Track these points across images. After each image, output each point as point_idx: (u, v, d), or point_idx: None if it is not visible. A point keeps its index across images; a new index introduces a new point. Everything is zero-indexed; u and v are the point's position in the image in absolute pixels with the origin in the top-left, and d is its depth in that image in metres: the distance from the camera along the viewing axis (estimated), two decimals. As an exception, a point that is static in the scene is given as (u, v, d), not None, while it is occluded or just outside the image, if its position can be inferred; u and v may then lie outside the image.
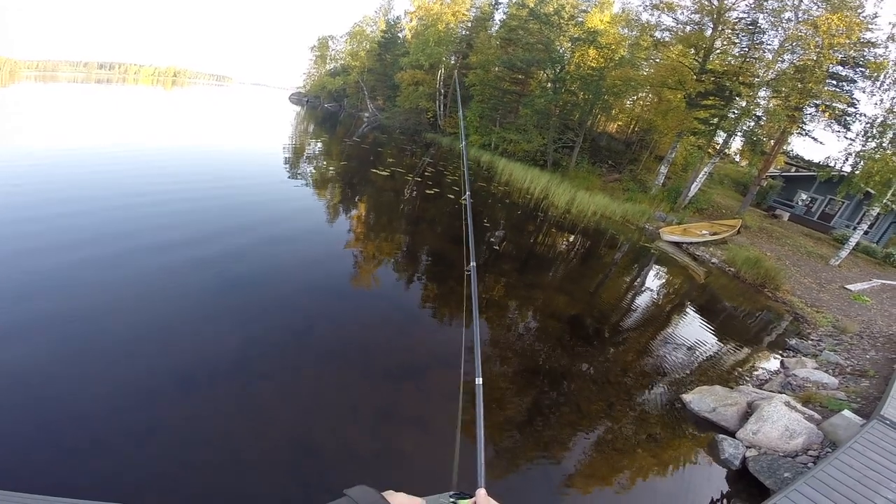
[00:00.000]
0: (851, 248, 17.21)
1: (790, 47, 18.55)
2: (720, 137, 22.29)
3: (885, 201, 15.96)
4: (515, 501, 4.19)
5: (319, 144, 26.87)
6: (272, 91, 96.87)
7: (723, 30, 20.78)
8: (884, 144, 16.04)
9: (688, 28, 22.10)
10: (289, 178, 15.95)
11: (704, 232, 17.85)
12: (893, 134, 15.75)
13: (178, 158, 14.99)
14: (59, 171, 11.36)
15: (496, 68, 30.79)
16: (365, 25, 57.12)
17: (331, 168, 19.53)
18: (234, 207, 10.75)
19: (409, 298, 8.19)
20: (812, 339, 9.86)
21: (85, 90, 35.01)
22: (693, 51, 21.73)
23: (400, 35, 49.06)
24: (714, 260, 15.75)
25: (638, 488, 4.75)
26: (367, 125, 42.24)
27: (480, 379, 1.80)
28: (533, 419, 5.35)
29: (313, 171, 18.01)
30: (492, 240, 12.64)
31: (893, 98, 16.03)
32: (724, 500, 4.69)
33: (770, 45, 20.03)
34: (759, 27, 19.78)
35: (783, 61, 19.16)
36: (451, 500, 1.11)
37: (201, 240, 8.35)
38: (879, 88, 16.60)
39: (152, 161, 13.96)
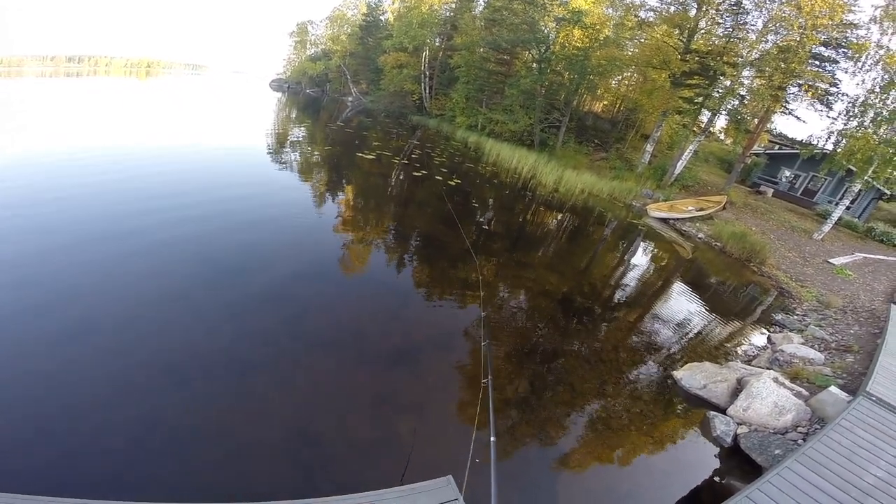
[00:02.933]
0: (834, 222, 17.59)
1: (774, 28, 18.66)
2: (705, 116, 22.46)
3: (866, 178, 16.33)
4: (512, 481, 4.25)
5: (303, 130, 26.40)
6: (251, 78, 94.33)
7: (707, 10, 20.78)
8: (865, 123, 16.31)
9: (672, 8, 22.05)
10: (273, 165, 15.63)
11: (691, 208, 18.10)
12: (874, 113, 16.01)
13: (156, 151, 14.39)
14: (40, 169, 11.01)
15: (481, 49, 30.48)
16: (345, 9, 55.89)
17: (316, 153, 19.24)
18: (217, 199, 10.42)
19: (402, 282, 8.16)
20: (797, 314, 10.01)
21: (57, 84, 33.68)
22: (677, 31, 21.71)
23: (382, 18, 48.18)
24: (700, 235, 16.01)
25: (632, 466, 4.83)
26: (352, 109, 41.63)
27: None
28: (528, 399, 5.41)
29: (298, 157, 17.70)
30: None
31: (875, 79, 16.26)
32: (718, 478, 4.76)
33: (754, 25, 20.12)
34: (743, 8, 19.83)
35: (767, 42, 19.29)
36: None
37: (184, 233, 8.11)
38: (861, 69, 16.78)
39: (130, 154, 13.50)
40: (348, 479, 3.87)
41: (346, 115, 36.43)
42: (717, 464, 4.99)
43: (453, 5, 37.44)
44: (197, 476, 3.71)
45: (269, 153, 17.36)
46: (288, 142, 21.13)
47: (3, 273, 5.80)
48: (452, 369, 5.78)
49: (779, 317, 9.67)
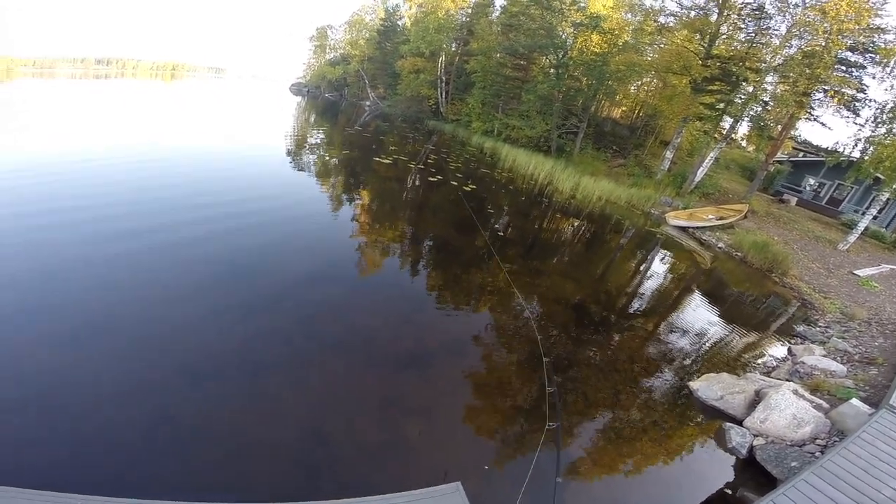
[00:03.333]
0: (860, 232, 17.00)
1: (798, 33, 18.16)
2: (726, 122, 21.99)
3: (894, 187, 15.75)
4: (517, 486, 4.15)
5: (321, 134, 26.69)
6: (271, 82, 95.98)
7: (728, 15, 20.39)
8: (894, 130, 15.77)
9: (692, 13, 21.68)
10: (290, 168, 15.83)
11: (711, 216, 17.68)
12: None
13: (178, 153, 14.80)
14: (64, 168, 11.32)
15: (498, 54, 30.44)
16: (364, 14, 56.58)
17: (333, 157, 19.41)
18: (234, 200, 10.61)
19: (415, 286, 8.15)
20: (820, 326, 9.70)
21: (87, 86, 34.74)
22: (698, 36, 21.34)
23: (399, 23, 48.53)
24: (720, 244, 15.62)
25: (645, 477, 4.72)
26: (369, 114, 41.97)
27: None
28: (539, 407, 5.31)
29: (316, 160, 17.89)
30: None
31: None
32: (732, 489, 4.64)
33: (777, 30, 19.63)
34: (766, 12, 19.38)
35: (791, 47, 18.77)
36: None
37: (200, 233, 8.25)
38: (889, 74, 16.29)
39: (158, 155, 13.90)
40: (356, 481, 3.88)
41: (363, 120, 36.74)
42: (731, 475, 4.87)
43: (469, 10, 37.53)
44: (204, 475, 3.74)
45: (288, 156, 17.60)
46: (307, 145, 21.39)
47: (20, 271, 5.96)
48: (464, 376, 5.74)
49: (800, 328, 9.42)
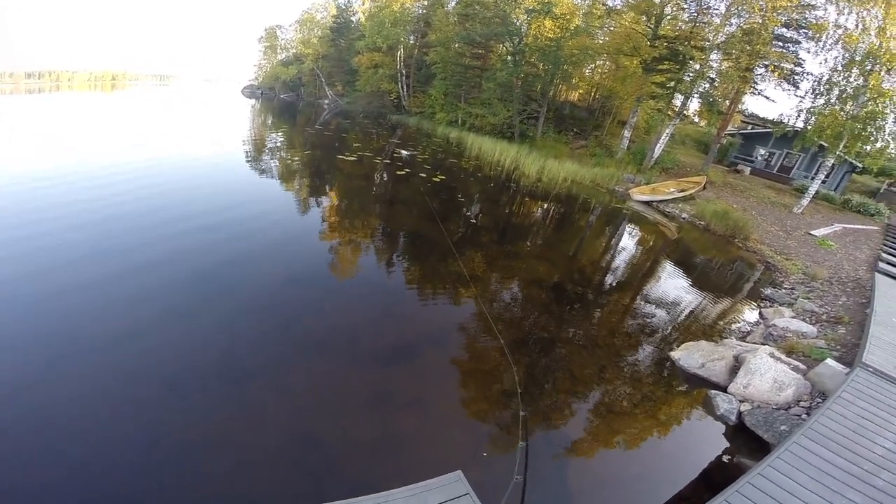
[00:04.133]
0: (812, 196, 18.05)
1: (736, 11, 19.02)
2: (678, 100, 22.72)
3: (837, 153, 16.77)
4: (517, 468, 4.17)
5: (281, 136, 25.93)
6: (223, 85, 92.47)
7: (670, -4, 21.07)
8: (831, 101, 16.74)
9: (637, -5, 22.33)
10: (252, 174, 15.22)
11: (672, 190, 18.32)
12: (839, 91, 16.40)
13: (132, 168, 13.80)
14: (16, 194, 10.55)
15: (456, 45, 30.37)
16: (314, 12, 55.13)
17: (296, 158, 18.89)
18: (198, 212, 10.05)
19: (392, 280, 8.06)
20: (785, 288, 10.15)
21: (17, 102, 32.48)
22: (645, 17, 21.96)
23: (353, 19, 47.64)
24: (684, 215, 16.22)
25: (640, 450, 4.80)
26: (329, 112, 41.12)
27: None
28: (528, 389, 5.36)
29: (277, 164, 17.32)
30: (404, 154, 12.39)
31: (836, 57, 16.71)
32: (727, 457, 4.73)
33: (717, 9, 20.52)
34: (705, -8, 20.18)
35: (731, 25, 19.68)
36: None
37: (166, 248, 7.86)
38: (822, 48, 17.27)
39: (107, 171, 13.02)
40: (356, 480, 3.84)
41: (323, 119, 35.95)
42: (724, 443, 4.98)
43: (425, 2, 37.21)
44: (203, 488, 3.62)
45: (249, 162, 16.96)
46: (267, 149, 20.70)
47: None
48: (450, 364, 5.73)
49: (768, 291, 9.80)
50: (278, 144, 22.56)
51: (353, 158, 18.71)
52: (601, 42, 25.18)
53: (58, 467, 3.54)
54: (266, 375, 4.99)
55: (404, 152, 19.57)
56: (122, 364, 4.79)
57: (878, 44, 14.88)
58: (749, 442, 4.95)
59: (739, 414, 5.30)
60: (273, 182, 14.24)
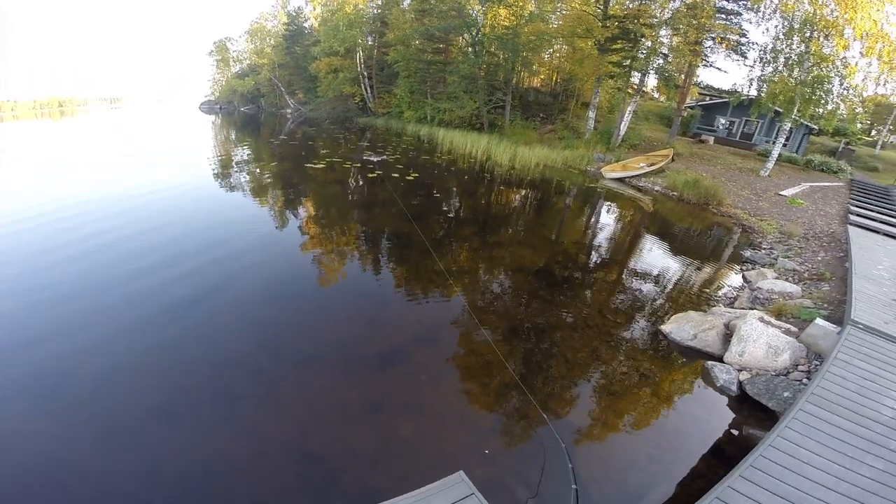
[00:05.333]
0: (775, 159, 18.60)
1: (678, -14, 19.41)
2: (636, 77, 23.13)
3: (792, 117, 17.30)
4: (520, 462, 4.12)
5: (246, 150, 25.15)
6: (178, 104, 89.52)
7: (615, -25, 21.34)
8: (779, 68, 17.22)
9: (583, -22, 22.52)
10: (223, 191, 14.64)
11: (642, 164, 18.56)
12: (784, 58, 16.86)
13: (94, 197, 13.19)
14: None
15: (416, 41, 30.14)
16: (263, 21, 53.80)
17: (265, 172, 18.29)
18: (172, 235, 9.60)
19: (376, 285, 7.84)
20: (764, 248, 10.27)
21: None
22: (593, -1, 22.18)
23: (306, 25, 46.70)
24: (657, 188, 16.44)
25: (648, 430, 4.70)
26: (293, 121, 40.24)
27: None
28: (525, 378, 5.24)
29: (247, 178, 16.72)
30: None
31: (776, 26, 17.17)
32: (735, 429, 4.65)
33: (660, -14, 20.83)
34: (647, -31, 20.49)
35: (675, 0, 20.14)
36: None
37: (141, 273, 7.55)
38: (762, 18, 17.77)
39: (75, 202, 12.29)
40: (359, 491, 3.74)
41: (288, 128, 35.12)
42: (730, 414, 4.93)
43: (380, 2, 36.65)
44: None
45: (217, 179, 16.31)
46: (233, 164, 20.00)
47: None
48: (441, 363, 5.59)
49: (747, 253, 9.90)
50: (245, 158, 21.87)
51: (322, 165, 18.29)
52: (556, 26, 25.32)
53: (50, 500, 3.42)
54: (257, 396, 4.81)
55: (374, 158, 19.22)
56: (111, 398, 4.63)
57: (812, 11, 15.32)
58: (754, 411, 4.91)
59: (740, 383, 5.24)
60: (243, 198, 13.70)
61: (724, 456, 4.19)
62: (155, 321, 6.14)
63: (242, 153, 23.66)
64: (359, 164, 18.58)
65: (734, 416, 4.90)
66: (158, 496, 3.60)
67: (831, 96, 16.32)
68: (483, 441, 4.34)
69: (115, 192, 13.45)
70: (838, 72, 15.55)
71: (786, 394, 4.86)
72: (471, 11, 26.86)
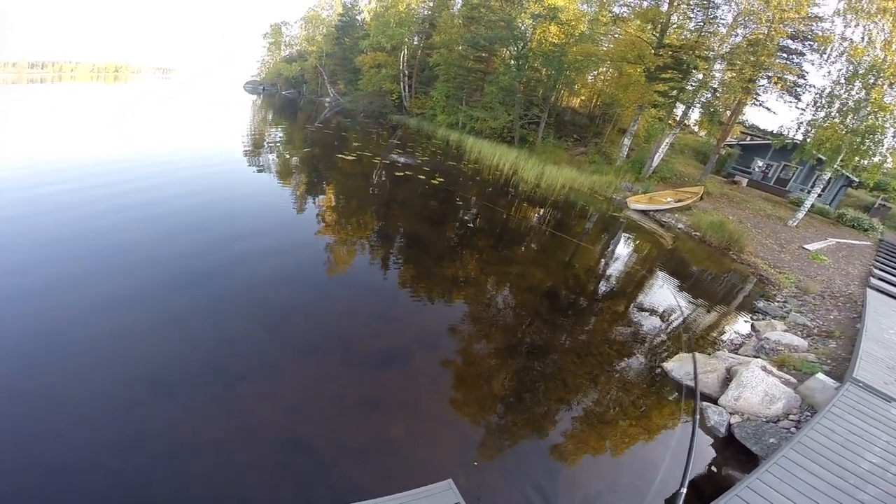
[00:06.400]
0: (807, 209, 18.14)
1: (743, 21, 19.17)
2: (679, 109, 22.86)
3: (835, 166, 16.87)
4: (509, 477, 4.20)
5: (280, 132, 25.90)
6: (222, 80, 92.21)
7: (678, 5, 21.15)
8: (832, 114, 16.85)
9: (645, 3, 22.47)
10: (251, 169, 15.22)
11: (669, 199, 18.38)
12: (840, 104, 16.52)
13: (131, 161, 13.87)
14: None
15: (460, 47, 30.43)
16: (320, 9, 55.13)
17: (295, 156, 18.87)
18: (197, 204, 10.09)
19: (386, 282, 8.00)
20: (778, 301, 10.15)
21: (17, 92, 32.34)
22: (650, 25, 22.04)
23: (358, 17, 47.63)
24: (680, 225, 16.27)
25: (631, 459, 4.79)
26: (330, 110, 41.11)
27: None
28: (521, 395, 5.36)
29: (276, 160, 17.31)
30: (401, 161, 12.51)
31: (839, 70, 16.80)
32: (716, 468, 4.73)
33: (724, 19, 20.56)
34: (713, 2, 20.24)
35: (736, 35, 19.82)
36: None
37: (163, 240, 7.85)
38: (826, 61, 17.36)
39: (110, 162, 13.04)
40: (344, 487, 3.77)
41: (324, 116, 35.95)
42: (713, 454, 4.99)
43: (431, 4, 37.25)
44: (187, 492, 3.56)
45: (247, 158, 16.93)
46: (266, 145, 20.67)
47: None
48: (442, 369, 5.70)
49: (760, 304, 9.83)
50: (278, 140, 22.54)
51: (352, 158, 18.70)
52: (605, 49, 25.24)
53: (33, 471, 3.45)
54: (255, 378, 4.91)
55: (403, 157, 19.60)
56: (107, 365, 4.69)
57: (882, 57, 14.99)
58: (738, 454, 4.96)
59: (729, 426, 5.31)
60: (270, 179, 14.20)
61: (702, 494, 4.23)
62: (164, 289, 6.33)
63: (277, 135, 24.37)
64: (387, 162, 18.93)
65: (717, 456, 4.95)
66: (135, 467, 3.63)
67: (881, 147, 15.93)
68: (474, 452, 4.42)
69: (148, 160, 14.06)
70: (894, 122, 15.17)
71: (772, 440, 4.91)
72: (520, 24, 27.00)
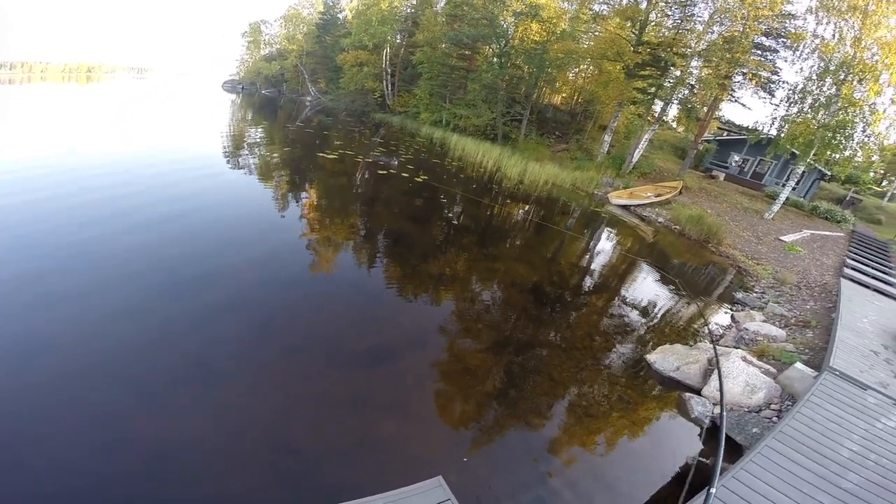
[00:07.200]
0: (782, 203, 18.64)
1: (719, 19, 19.59)
2: (658, 106, 23.21)
3: (808, 160, 17.35)
4: (499, 473, 4.17)
5: (260, 131, 25.43)
6: (200, 79, 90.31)
7: (657, 2, 21.48)
8: (804, 109, 17.32)
9: (624, 1, 22.74)
10: (230, 169, 14.82)
11: (649, 194, 18.65)
12: (812, 99, 16.97)
13: (112, 159, 13.44)
14: None
15: (443, 45, 30.35)
16: (300, 8, 54.40)
17: (275, 155, 18.50)
18: (175, 208, 9.70)
19: (371, 281, 7.91)
20: (756, 292, 10.37)
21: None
22: (629, 23, 22.31)
23: (340, 16, 47.15)
24: (660, 219, 16.52)
25: (618, 453, 4.81)
26: (310, 109, 40.60)
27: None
28: (508, 391, 5.34)
29: (256, 160, 16.93)
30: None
31: (811, 66, 17.29)
32: (701, 459, 4.75)
33: (700, 17, 21.01)
34: (691, 0, 20.60)
35: (713, 32, 20.24)
36: None
37: (137, 241, 7.60)
38: (799, 58, 17.88)
39: (84, 164, 12.58)
40: (333, 486, 3.73)
41: (305, 115, 35.46)
42: (699, 445, 5.03)
43: (414, 2, 37.03)
44: (175, 493, 3.47)
45: (226, 157, 16.54)
46: (245, 144, 20.26)
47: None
48: (429, 366, 5.64)
49: (739, 295, 10.03)
50: (257, 140, 22.13)
51: (334, 156, 18.47)
52: (586, 46, 25.49)
53: (16, 478, 3.34)
54: (240, 378, 4.82)
55: (386, 155, 19.44)
56: (87, 366, 4.55)
57: (852, 54, 15.43)
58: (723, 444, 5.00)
59: (713, 417, 5.36)
60: (250, 179, 13.88)
61: (688, 484, 4.26)
62: (147, 291, 6.15)
63: (256, 134, 23.93)
64: (370, 160, 18.75)
65: (702, 447, 4.99)
66: (121, 469, 3.55)
67: (851, 142, 16.39)
68: (463, 448, 4.39)
69: (121, 162, 13.60)
70: (864, 118, 15.64)
71: (755, 430, 4.98)
72: (502, 22, 27.07)
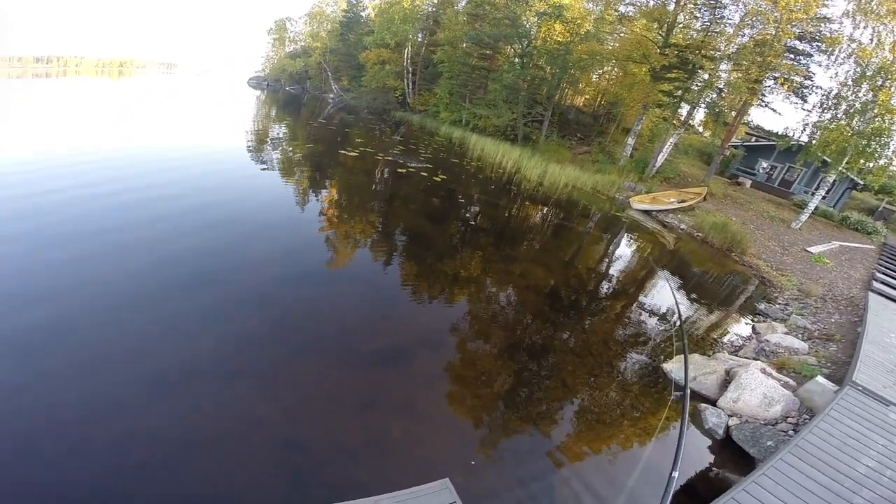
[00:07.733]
0: (811, 212, 18.02)
1: (750, 22, 19.00)
2: (684, 109, 22.75)
3: (840, 169, 16.74)
4: (506, 477, 4.20)
5: (284, 128, 25.92)
6: (225, 75, 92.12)
7: (685, 4, 21.03)
8: (838, 115, 16.71)
9: (651, 2, 22.35)
10: (253, 164, 15.19)
11: (672, 200, 18.33)
12: (847, 105, 16.39)
13: (136, 152, 13.99)
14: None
15: (464, 44, 30.37)
16: (324, 6, 55.12)
17: (297, 152, 18.86)
18: (195, 202, 9.96)
19: (388, 280, 7.98)
20: (779, 303, 10.10)
21: (22, 86, 32.39)
22: (656, 25, 21.91)
23: (363, 14, 47.61)
24: (683, 226, 16.22)
25: (629, 461, 4.77)
26: (333, 106, 41.09)
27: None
28: (519, 394, 5.35)
29: (279, 155, 17.30)
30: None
31: (847, 72, 16.66)
32: (713, 471, 4.72)
33: (731, 19, 20.42)
34: (720, 2, 20.10)
35: (743, 35, 19.63)
36: None
37: (157, 234, 7.80)
38: (834, 62, 17.25)
39: (112, 154, 13.08)
40: (341, 485, 3.76)
41: (327, 112, 35.92)
42: (711, 457, 4.98)
43: (435, 0, 37.14)
44: (182, 489, 3.55)
45: (250, 152, 16.93)
46: (269, 140, 20.70)
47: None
48: (441, 368, 5.68)
49: (762, 306, 9.78)
50: (281, 136, 22.57)
51: (355, 154, 18.70)
52: (611, 48, 25.14)
53: (31, 469, 3.43)
54: (252, 376, 4.89)
55: (405, 154, 19.58)
56: (102, 360, 4.66)
57: (891, 59, 14.87)
58: (735, 457, 4.95)
59: (727, 428, 5.30)
60: (271, 174, 14.18)
61: (698, 496, 4.23)
62: (162, 286, 6.27)
63: (280, 130, 24.38)
64: (390, 158, 18.90)
65: (715, 458, 4.94)
66: (132, 464, 3.61)
67: (887, 150, 15.78)
68: (471, 451, 4.41)
69: (148, 155, 14.06)
70: None
71: (769, 443, 4.90)
72: (524, 22, 26.91)
